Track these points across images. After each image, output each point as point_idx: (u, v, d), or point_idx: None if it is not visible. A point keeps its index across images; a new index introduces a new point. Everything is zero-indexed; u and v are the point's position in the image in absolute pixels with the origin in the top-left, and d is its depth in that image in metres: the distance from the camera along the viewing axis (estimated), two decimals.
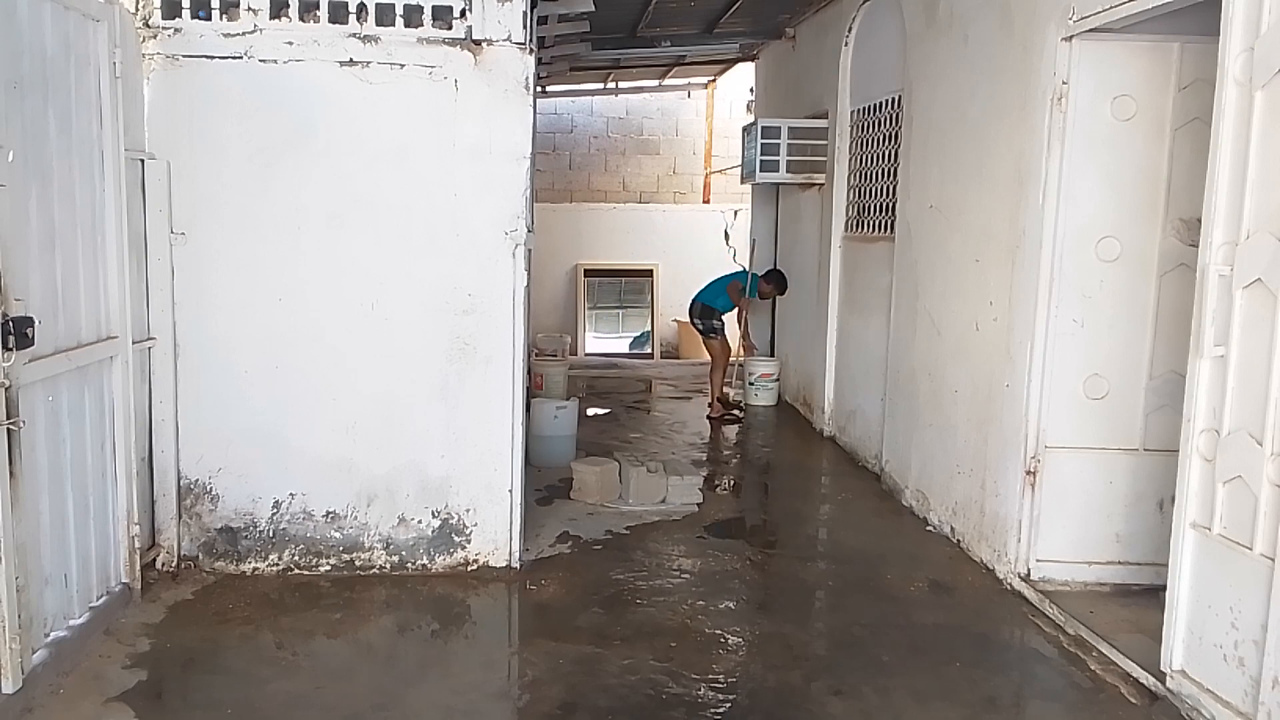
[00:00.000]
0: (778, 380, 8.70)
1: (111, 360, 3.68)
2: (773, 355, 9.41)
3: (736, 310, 8.40)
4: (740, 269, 8.53)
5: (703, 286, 8.44)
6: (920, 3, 5.53)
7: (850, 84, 7.12)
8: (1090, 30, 3.85)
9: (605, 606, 4.10)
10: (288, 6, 4.07)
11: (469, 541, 4.38)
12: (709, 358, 8.51)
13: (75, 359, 3.38)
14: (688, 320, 8.68)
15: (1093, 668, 3.59)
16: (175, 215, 4.07)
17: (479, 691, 3.39)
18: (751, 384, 8.46)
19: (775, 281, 8.33)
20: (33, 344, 3.00)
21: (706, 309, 8.31)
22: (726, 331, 8.45)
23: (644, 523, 5.20)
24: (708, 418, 8.14)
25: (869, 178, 6.79)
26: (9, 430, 2.92)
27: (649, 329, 15.12)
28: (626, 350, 14.94)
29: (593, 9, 6.01)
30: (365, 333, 4.24)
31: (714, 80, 13.75)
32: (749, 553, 4.86)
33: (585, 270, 14.38)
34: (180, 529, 4.22)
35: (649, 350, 14.74)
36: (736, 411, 8.32)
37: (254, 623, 3.81)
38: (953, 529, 4.96)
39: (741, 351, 8.95)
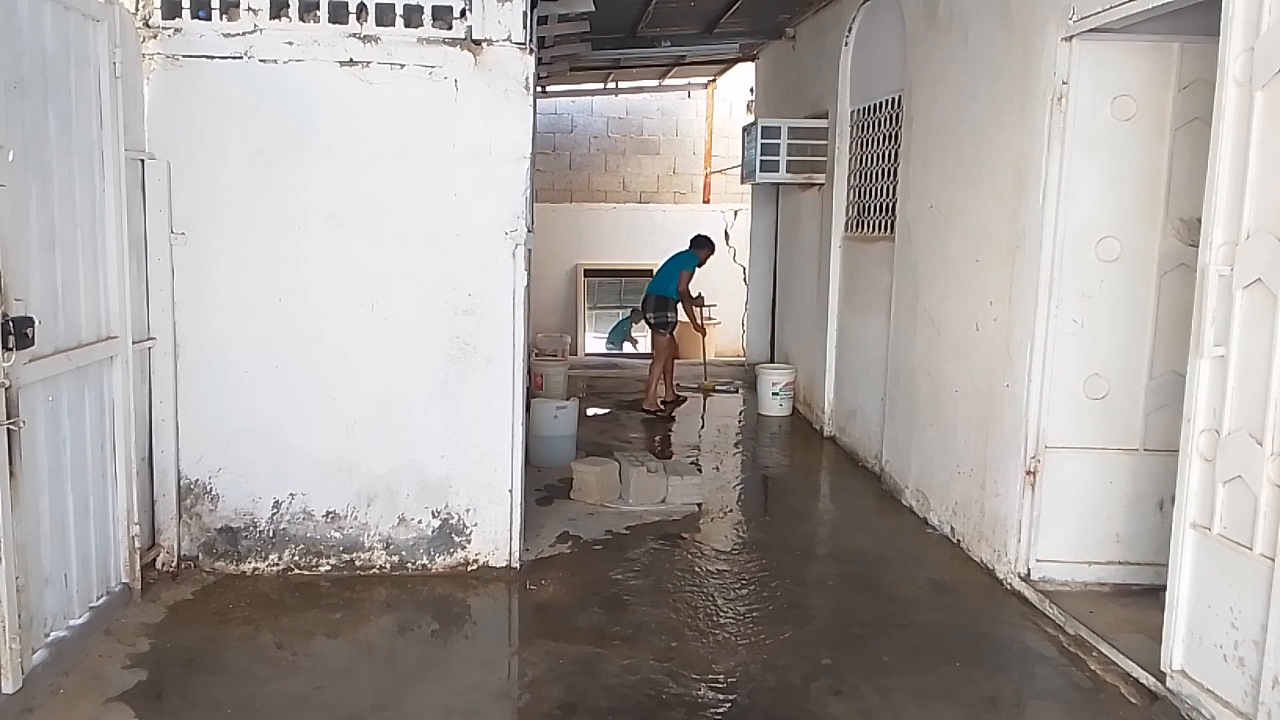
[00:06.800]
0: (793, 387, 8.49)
1: (111, 360, 3.68)
2: (773, 358, 9.41)
3: (681, 301, 8.27)
4: (682, 252, 8.38)
5: (654, 276, 8.39)
6: (920, 3, 5.53)
7: (850, 84, 7.12)
8: (1090, 30, 3.85)
9: (605, 606, 4.10)
10: (288, 6, 4.07)
11: (469, 541, 4.38)
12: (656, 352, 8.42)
13: (75, 359, 3.38)
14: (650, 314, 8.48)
15: (1093, 668, 3.59)
16: (175, 215, 4.07)
17: (479, 691, 3.39)
18: (775, 394, 8.23)
19: (706, 245, 8.35)
20: (33, 344, 3.00)
21: (660, 300, 8.24)
22: (676, 331, 8.46)
23: (644, 523, 5.21)
24: (642, 407, 8.17)
25: (869, 178, 6.79)
26: (9, 430, 2.92)
27: (626, 316, 15.04)
28: (604, 347, 14.94)
29: (593, 9, 6.01)
30: (365, 333, 4.24)
31: (714, 80, 13.76)
32: (749, 553, 4.86)
33: (585, 270, 14.39)
34: (180, 529, 4.22)
35: (630, 338, 14.72)
36: (675, 408, 8.33)
37: (254, 623, 3.81)
38: (953, 529, 4.96)
39: (701, 335, 9.02)
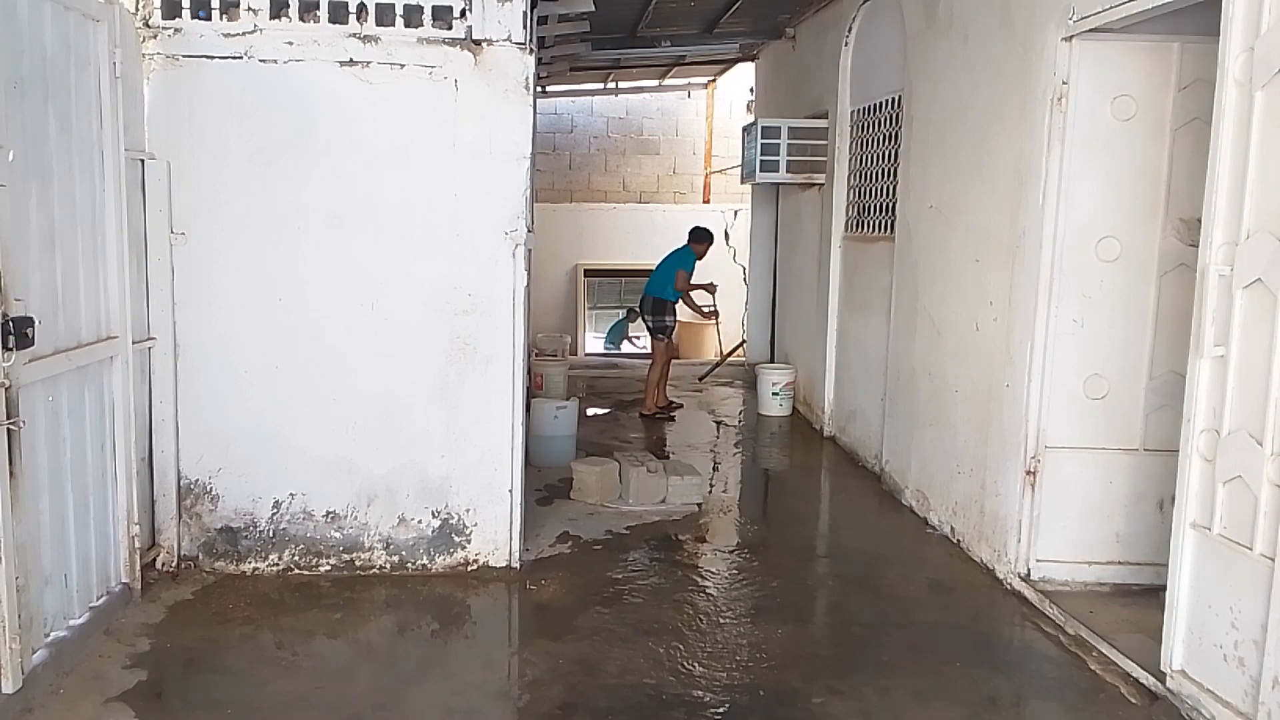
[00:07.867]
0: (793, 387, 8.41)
1: (111, 360, 3.67)
2: (773, 358, 9.40)
3: (684, 300, 8.23)
4: (679, 249, 8.30)
5: (651, 275, 8.30)
6: (920, 3, 5.53)
7: (850, 84, 7.12)
8: (1090, 30, 3.85)
9: (605, 606, 4.10)
10: (288, 6, 4.07)
11: (469, 541, 4.38)
12: (664, 355, 8.34)
13: (75, 359, 3.38)
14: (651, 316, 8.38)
15: (1093, 668, 3.59)
16: (175, 215, 4.07)
17: (479, 691, 3.39)
18: (775, 394, 8.20)
19: (704, 239, 8.22)
20: (33, 344, 3.00)
21: (658, 303, 8.15)
22: (675, 333, 8.42)
23: (644, 523, 5.21)
24: (640, 415, 8.11)
25: (869, 178, 6.79)
26: (9, 430, 2.92)
27: (624, 317, 14.99)
28: (602, 347, 14.91)
29: (593, 9, 6.01)
30: (365, 333, 4.24)
31: (714, 80, 13.76)
32: (749, 553, 4.86)
33: (585, 270, 14.39)
34: (180, 529, 4.22)
35: (628, 337, 14.67)
36: (673, 411, 8.29)
37: (254, 623, 3.81)
38: (953, 529, 4.96)
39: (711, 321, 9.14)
